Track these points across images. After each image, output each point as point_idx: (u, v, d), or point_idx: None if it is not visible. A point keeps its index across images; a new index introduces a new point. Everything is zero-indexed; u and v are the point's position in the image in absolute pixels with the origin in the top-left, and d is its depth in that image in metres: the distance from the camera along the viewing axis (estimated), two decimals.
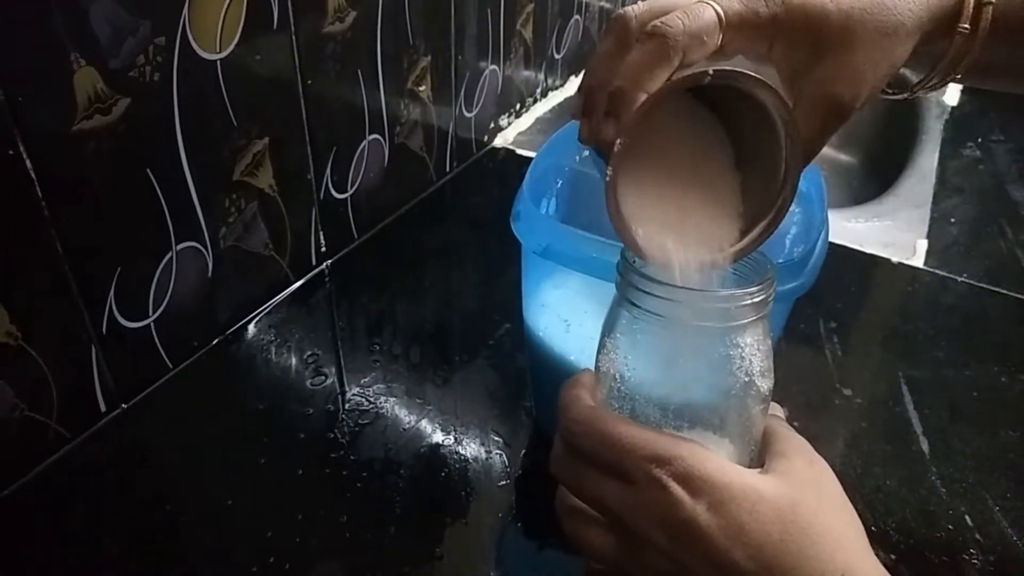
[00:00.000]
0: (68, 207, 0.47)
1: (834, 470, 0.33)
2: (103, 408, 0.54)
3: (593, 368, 0.35)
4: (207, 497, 0.50)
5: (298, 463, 0.52)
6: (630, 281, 0.31)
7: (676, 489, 0.29)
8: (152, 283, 0.54)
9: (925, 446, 0.55)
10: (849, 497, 0.32)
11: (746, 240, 0.32)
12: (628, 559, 0.32)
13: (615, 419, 0.32)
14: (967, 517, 0.50)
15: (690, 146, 0.33)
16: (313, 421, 0.55)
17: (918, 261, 0.75)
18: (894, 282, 0.73)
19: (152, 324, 0.55)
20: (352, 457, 0.52)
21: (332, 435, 0.54)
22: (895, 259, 0.75)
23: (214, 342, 0.61)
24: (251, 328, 0.63)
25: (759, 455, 0.34)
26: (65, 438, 0.52)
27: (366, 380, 0.59)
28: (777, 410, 0.36)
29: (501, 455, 0.53)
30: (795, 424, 0.35)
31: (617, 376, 0.33)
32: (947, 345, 0.65)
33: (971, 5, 0.34)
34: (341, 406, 0.56)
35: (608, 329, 0.34)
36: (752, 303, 0.30)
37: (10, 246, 0.45)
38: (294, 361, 0.60)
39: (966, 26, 0.34)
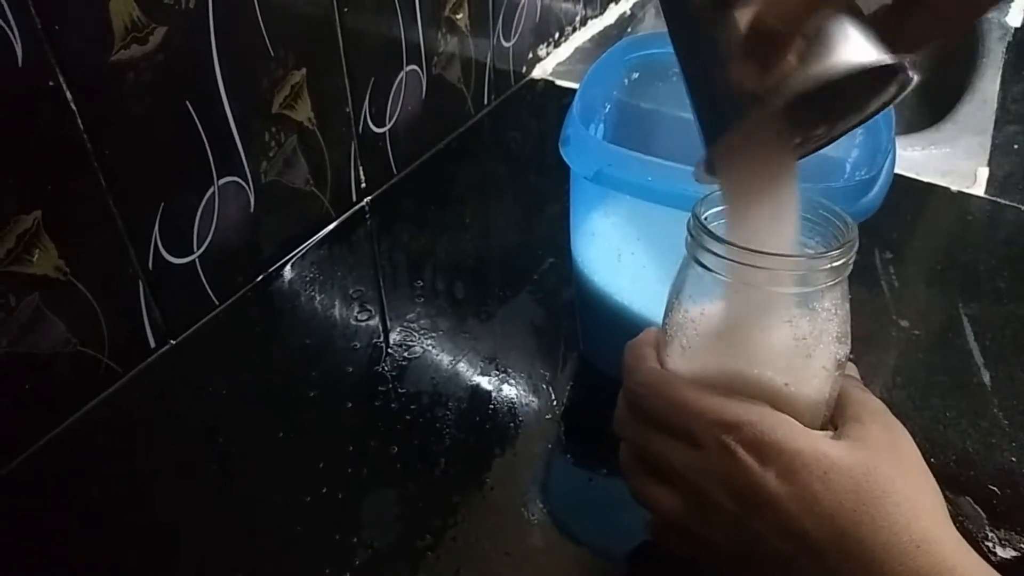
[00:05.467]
0: (110, 140, 0.46)
1: (892, 402, 0.31)
2: (153, 344, 0.54)
3: (661, 327, 0.34)
4: (258, 429, 0.50)
5: (346, 396, 0.52)
6: (701, 243, 0.29)
7: (744, 456, 0.29)
8: (195, 218, 0.54)
9: (987, 378, 0.53)
10: (909, 431, 0.31)
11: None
12: (695, 520, 0.31)
13: (682, 382, 0.31)
14: None
15: None
16: (360, 355, 0.55)
17: (978, 189, 0.72)
18: (953, 211, 0.70)
19: (197, 260, 0.55)
20: (400, 390, 0.52)
21: (379, 369, 0.54)
22: (954, 188, 0.72)
23: (258, 279, 0.61)
24: (294, 265, 0.63)
25: (833, 420, 0.32)
26: (117, 373, 0.52)
27: (411, 316, 0.58)
28: (852, 371, 0.34)
29: (547, 388, 0.53)
30: (852, 358, 0.33)
31: (685, 339, 0.32)
32: (1009, 275, 0.63)
33: None
34: (387, 341, 0.56)
35: (677, 290, 0.32)
36: (831, 267, 0.28)
37: (55, 179, 0.44)
38: (338, 297, 0.60)
39: None
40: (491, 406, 0.51)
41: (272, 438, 0.49)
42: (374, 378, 0.53)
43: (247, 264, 0.60)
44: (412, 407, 0.51)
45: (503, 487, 0.47)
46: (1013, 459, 0.48)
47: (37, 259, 0.45)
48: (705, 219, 0.30)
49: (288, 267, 0.63)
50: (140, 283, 0.51)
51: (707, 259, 0.29)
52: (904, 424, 0.31)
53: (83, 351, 0.49)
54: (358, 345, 0.56)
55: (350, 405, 0.51)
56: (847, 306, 0.31)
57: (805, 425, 0.30)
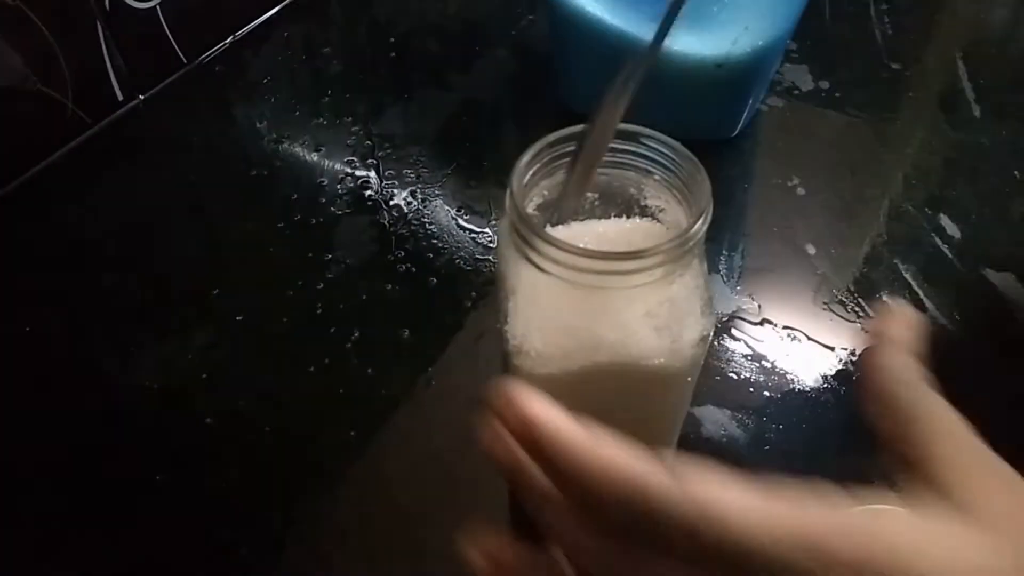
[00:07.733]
0: None
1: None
2: (120, 96, 0.53)
3: (506, 344, 0.26)
4: (232, 177, 0.49)
5: (321, 144, 0.51)
6: (529, 242, 0.23)
7: None
8: None
9: (977, 111, 0.52)
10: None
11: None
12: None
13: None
14: (1016, 172, 0.48)
15: None
16: (333, 109, 0.53)
17: None
18: None
19: (158, 6, 0.53)
20: (375, 132, 0.51)
21: (351, 121, 0.52)
22: None
23: (227, 42, 0.59)
24: (263, 29, 0.60)
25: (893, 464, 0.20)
26: (86, 123, 0.51)
27: (383, 73, 0.56)
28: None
29: (520, 130, 0.51)
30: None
31: (531, 351, 0.25)
32: (1013, 22, 0.60)
33: None
34: (360, 105, 0.54)
35: (509, 293, 0.26)
36: (663, 257, 0.22)
37: None
38: (308, 66, 0.58)
39: None
40: (464, 144, 0.50)
41: (246, 181, 0.49)
42: (347, 131, 0.52)
43: (214, 23, 0.58)
44: (386, 146, 0.50)
45: (473, 215, 0.46)
46: (1007, 189, 0.47)
47: None
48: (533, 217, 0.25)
49: (257, 31, 0.60)
50: (98, 24, 0.49)
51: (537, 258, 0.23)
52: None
53: (46, 92, 0.48)
54: (329, 100, 0.54)
55: (323, 150, 0.50)
56: (699, 283, 0.25)
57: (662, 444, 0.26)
